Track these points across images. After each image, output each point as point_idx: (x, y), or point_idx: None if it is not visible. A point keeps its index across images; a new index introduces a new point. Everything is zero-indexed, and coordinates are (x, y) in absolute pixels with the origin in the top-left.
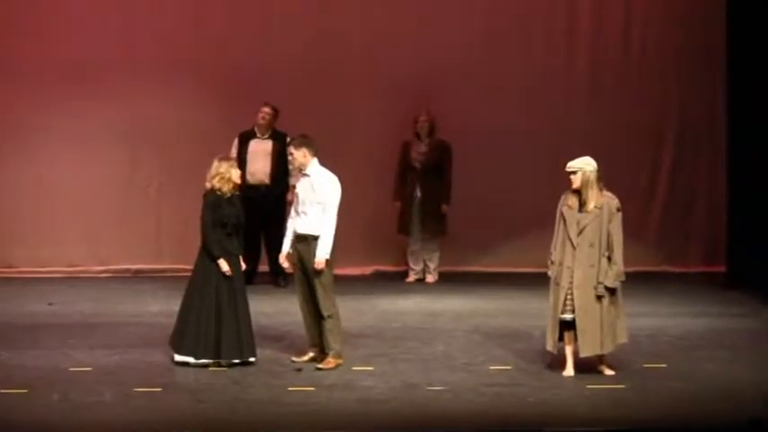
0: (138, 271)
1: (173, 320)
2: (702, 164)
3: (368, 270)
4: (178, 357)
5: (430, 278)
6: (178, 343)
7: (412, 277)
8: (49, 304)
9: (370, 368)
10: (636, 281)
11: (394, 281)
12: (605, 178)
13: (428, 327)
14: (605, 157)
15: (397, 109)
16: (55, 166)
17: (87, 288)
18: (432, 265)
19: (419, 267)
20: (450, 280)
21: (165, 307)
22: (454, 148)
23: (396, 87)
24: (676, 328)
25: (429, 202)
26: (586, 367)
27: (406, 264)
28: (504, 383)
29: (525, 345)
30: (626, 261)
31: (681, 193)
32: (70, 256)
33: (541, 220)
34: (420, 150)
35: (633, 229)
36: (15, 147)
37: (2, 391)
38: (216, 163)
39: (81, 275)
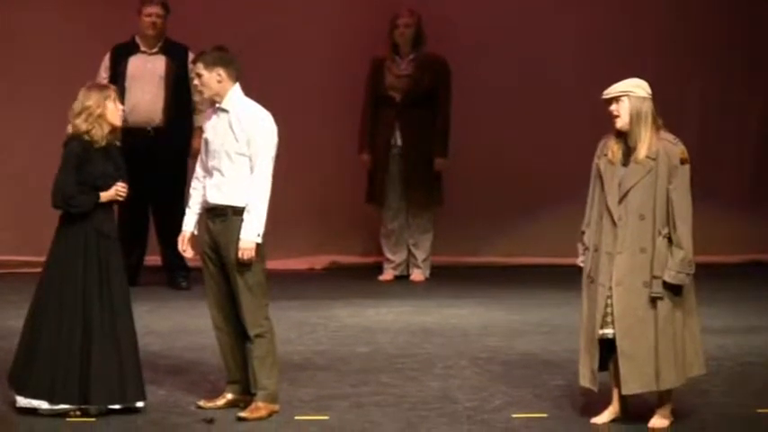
0: None
1: (11, 345)
2: None
3: (320, 263)
4: (22, 401)
5: (417, 274)
6: (22, 380)
7: (389, 273)
8: None
9: (324, 417)
10: (746, 277)
11: (360, 279)
12: (696, 121)
13: (415, 352)
14: (688, 94)
15: (369, 9)
16: None
17: None
18: (420, 255)
19: (400, 258)
20: (448, 277)
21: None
22: (455, 71)
23: None
24: None
25: (414, 154)
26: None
27: (380, 252)
28: None
29: (569, 380)
30: (732, 246)
31: None
32: None
33: (586, 186)
34: (400, 71)
35: (738, 200)
36: None
37: None
38: (82, 93)
39: None
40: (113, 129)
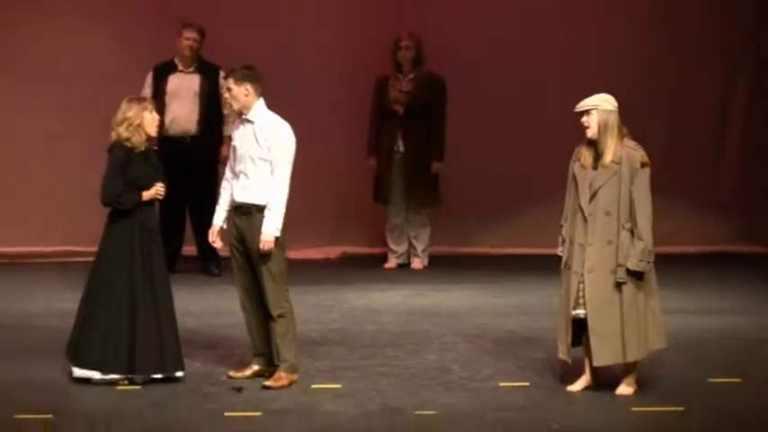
0: (18, 255)
1: (67, 323)
2: None
3: (333, 253)
4: (77, 372)
5: (417, 263)
6: (77, 353)
7: (393, 262)
8: None
9: (337, 386)
10: (700, 265)
11: (368, 267)
12: (657, 129)
13: (415, 330)
14: (657, 103)
15: (375, 32)
16: None
17: None
18: (420, 246)
19: (402, 249)
20: (444, 265)
21: (56, 304)
22: (451, 87)
23: (373, 4)
24: (753, 330)
25: (415, 159)
26: (617, 381)
27: (385, 244)
28: (519, 406)
29: (548, 354)
30: (687, 238)
31: (759, 148)
32: None
33: (563, 187)
34: (402, 88)
35: (697, 197)
36: None
37: None
38: (124, 105)
39: None
40: (150, 136)
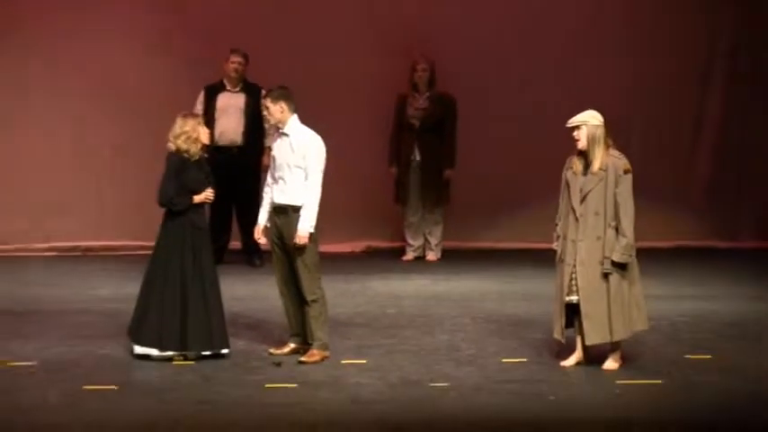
0: (87, 249)
1: (129, 307)
2: (758, 111)
3: (359, 246)
4: (138, 349)
5: (431, 255)
6: (138, 333)
7: (410, 255)
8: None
9: (362, 361)
10: (676, 258)
11: (389, 259)
12: (639, 137)
13: (429, 313)
14: (638, 110)
15: (394, 57)
16: None
17: (29, 269)
18: (433, 241)
19: (418, 243)
20: (454, 257)
21: (119, 290)
22: (459, 104)
23: (392, 30)
24: (723, 314)
25: (429, 167)
26: (604, 357)
27: (403, 239)
28: (519, 379)
29: (545, 334)
30: (665, 234)
31: (730, 151)
32: (7, 231)
33: (558, 190)
34: (418, 105)
35: (673, 196)
36: None
37: None
38: (180, 120)
39: (21, 254)
40: (203, 146)
